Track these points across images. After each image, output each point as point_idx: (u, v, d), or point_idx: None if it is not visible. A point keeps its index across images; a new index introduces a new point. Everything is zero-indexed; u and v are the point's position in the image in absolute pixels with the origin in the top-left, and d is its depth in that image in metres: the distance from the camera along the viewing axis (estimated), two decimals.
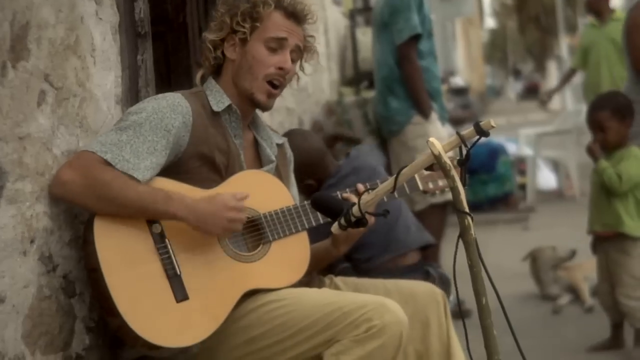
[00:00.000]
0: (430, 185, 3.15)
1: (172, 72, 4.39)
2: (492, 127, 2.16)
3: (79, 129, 2.83)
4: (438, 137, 4.94)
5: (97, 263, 2.63)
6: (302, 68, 3.12)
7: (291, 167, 3.26)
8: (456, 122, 10.99)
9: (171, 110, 2.81)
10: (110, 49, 3.07)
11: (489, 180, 9.44)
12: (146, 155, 2.73)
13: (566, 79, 8.55)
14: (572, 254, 6.12)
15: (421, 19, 5.43)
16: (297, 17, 3.01)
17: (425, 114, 5.36)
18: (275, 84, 3.00)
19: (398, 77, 5.45)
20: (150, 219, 2.73)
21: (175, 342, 2.68)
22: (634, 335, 4.60)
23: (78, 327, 2.77)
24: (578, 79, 13.81)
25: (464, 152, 2.22)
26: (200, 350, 2.79)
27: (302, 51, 3.06)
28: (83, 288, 2.79)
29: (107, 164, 2.68)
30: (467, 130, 2.20)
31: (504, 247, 7.55)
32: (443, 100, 5.80)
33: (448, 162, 2.20)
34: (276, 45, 2.98)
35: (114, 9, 3.12)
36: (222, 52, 3.02)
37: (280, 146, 3.20)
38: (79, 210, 2.80)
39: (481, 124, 2.16)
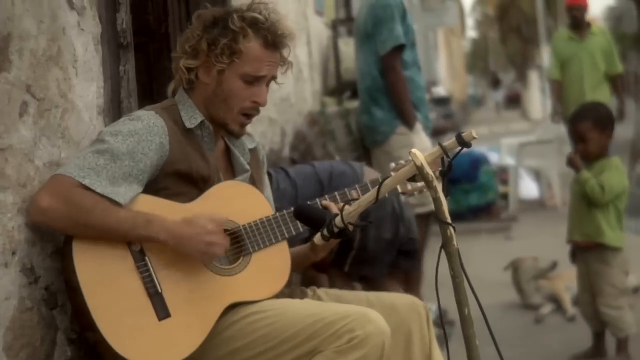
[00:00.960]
0: (409, 187, 3.15)
1: (154, 83, 4.38)
2: (474, 138, 2.17)
3: (61, 140, 2.82)
4: (423, 147, 5.02)
5: (77, 283, 2.61)
6: (276, 82, 3.08)
7: (264, 170, 3.24)
8: (438, 132, 11.00)
9: (148, 132, 2.78)
10: (93, 60, 3.07)
11: (471, 190, 9.47)
12: (122, 182, 2.70)
13: (558, 92, 8.55)
14: (554, 265, 6.14)
15: (405, 29, 5.43)
16: (276, 45, 2.96)
17: (410, 124, 5.36)
18: (249, 115, 2.98)
19: (382, 88, 5.44)
20: (131, 242, 2.71)
21: None
22: (616, 344, 4.62)
23: (60, 339, 2.76)
24: None
25: (446, 163, 2.23)
26: None
27: (275, 78, 3.02)
28: (65, 300, 2.78)
29: (86, 188, 2.65)
30: (449, 141, 2.20)
31: (486, 256, 7.57)
32: (427, 110, 5.81)
33: (430, 173, 2.21)
34: (253, 80, 2.94)
35: (96, 20, 3.12)
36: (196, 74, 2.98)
37: (252, 150, 3.18)
38: None
39: (463, 135, 2.17)
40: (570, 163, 4.64)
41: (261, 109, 3.04)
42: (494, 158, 10.90)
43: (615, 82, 8.39)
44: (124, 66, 3.30)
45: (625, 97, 8.96)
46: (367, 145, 5.70)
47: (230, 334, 2.79)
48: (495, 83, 53.26)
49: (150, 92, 4.26)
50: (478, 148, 9.98)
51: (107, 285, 2.65)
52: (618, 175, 4.55)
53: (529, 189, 11.27)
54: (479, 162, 9.65)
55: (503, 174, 10.75)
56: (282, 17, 2.99)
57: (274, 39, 2.93)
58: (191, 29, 2.96)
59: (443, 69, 28.65)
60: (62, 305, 2.78)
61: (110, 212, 2.65)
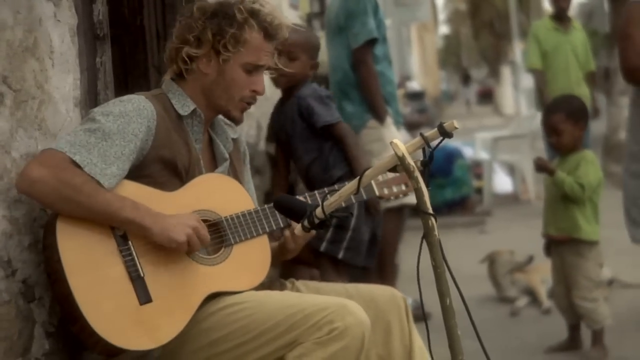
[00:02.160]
0: (386, 191, 3.18)
1: (129, 75, 4.35)
2: (456, 128, 2.16)
3: (37, 132, 2.80)
4: (383, 143, 4.98)
5: (60, 265, 2.60)
6: (270, 73, 3.20)
7: (247, 161, 3.26)
8: (413, 126, 11.02)
9: (137, 114, 2.80)
10: (69, 51, 3.04)
11: (446, 184, 9.50)
12: (113, 160, 2.71)
13: (541, 82, 8.45)
14: (530, 259, 6.17)
15: (377, 23, 5.41)
16: (274, 35, 3.03)
17: (381, 118, 5.33)
18: (248, 102, 3.05)
19: (353, 82, 5.38)
20: (115, 225, 2.71)
21: (138, 345, 2.67)
22: (591, 336, 4.64)
23: (38, 332, 2.74)
24: (530, 83, 13.90)
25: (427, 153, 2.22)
26: (162, 354, 2.78)
27: (271, 65, 3.10)
28: (42, 292, 2.76)
29: (76, 165, 2.66)
30: (431, 131, 2.20)
31: (461, 250, 7.58)
32: (398, 104, 5.80)
33: (412, 163, 2.20)
34: (253, 69, 3.00)
35: (72, 11, 3.09)
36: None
37: (235, 140, 3.20)
38: (38, 214, 2.77)
39: (445, 125, 2.17)
40: (540, 168, 4.66)
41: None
42: (468, 152, 10.93)
43: (589, 79, 8.39)
44: (100, 57, 3.27)
45: (596, 94, 8.97)
46: None
47: (208, 325, 2.79)
48: (466, 79, 53.25)
49: (125, 84, 4.23)
50: (452, 142, 10.00)
51: (89, 266, 2.65)
52: (594, 170, 4.57)
53: (502, 183, 11.32)
54: (453, 156, 9.67)
55: (477, 168, 10.78)
56: (276, 9, 3.07)
57: (272, 30, 3.00)
58: (192, 18, 2.98)
59: (416, 64, 28.68)
60: (39, 298, 2.76)
61: (97, 192, 2.66)
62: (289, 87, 4.13)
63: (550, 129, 4.64)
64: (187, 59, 2.97)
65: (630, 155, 4.80)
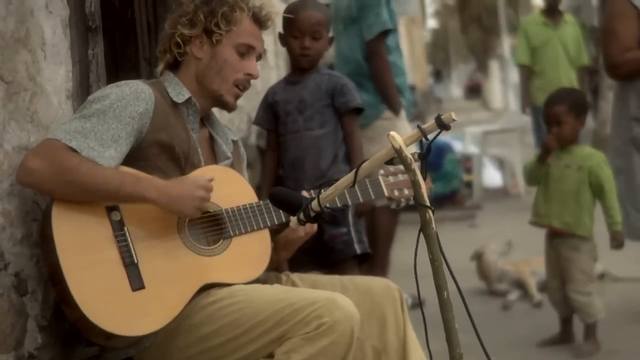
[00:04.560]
0: (396, 193, 3.17)
1: (120, 68, 4.32)
2: (453, 120, 2.15)
3: (30, 124, 2.78)
4: (405, 133, 4.95)
5: (54, 250, 2.59)
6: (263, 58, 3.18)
7: (244, 165, 3.26)
8: None
9: (135, 97, 2.80)
10: (61, 42, 3.02)
11: (435, 178, 9.46)
12: (111, 143, 2.71)
13: (527, 80, 8.44)
14: (509, 244, 6.21)
15: (388, 13, 5.41)
16: (263, 24, 3.08)
17: (396, 109, 5.32)
18: (242, 87, 3.05)
19: (367, 72, 5.35)
20: (118, 202, 2.72)
21: (130, 331, 2.66)
22: (583, 329, 4.65)
23: (30, 326, 2.72)
24: (518, 77, 13.88)
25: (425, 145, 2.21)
26: (152, 347, 2.77)
27: (262, 52, 3.11)
28: (35, 286, 2.74)
29: (73, 150, 2.65)
30: (428, 123, 2.18)
31: (451, 244, 7.48)
32: (410, 95, 5.80)
33: (409, 155, 2.18)
34: (245, 50, 3.02)
35: (64, 3, 3.07)
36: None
37: (235, 143, 3.21)
38: (30, 207, 2.75)
39: (442, 117, 2.15)
40: (543, 150, 4.68)
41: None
42: (458, 146, 10.93)
43: (580, 73, 8.39)
44: (92, 49, 3.25)
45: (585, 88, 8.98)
46: None
47: (198, 320, 2.78)
48: (437, 75, 52.81)
49: (116, 77, 4.19)
50: (442, 136, 9.97)
51: (84, 251, 2.64)
52: (608, 171, 4.62)
53: (492, 177, 11.33)
54: (443, 150, 9.67)
55: (467, 162, 10.79)
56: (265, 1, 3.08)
57: (262, 18, 3.06)
58: (184, 3, 3.02)
59: (405, 59, 28.66)
60: (32, 291, 2.74)
61: (96, 170, 2.66)
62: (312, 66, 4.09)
63: (551, 120, 4.64)
64: (180, 42, 2.99)
65: (614, 150, 4.83)
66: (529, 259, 6.07)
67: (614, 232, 4.57)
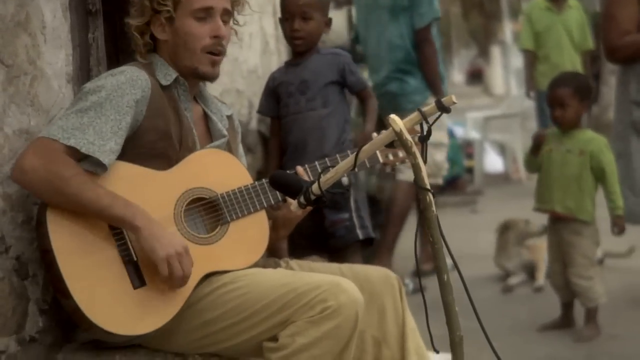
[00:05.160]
0: (390, 157, 3.14)
1: (120, 52, 4.31)
2: (454, 102, 2.14)
3: (30, 108, 2.78)
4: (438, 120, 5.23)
5: (51, 249, 2.58)
6: (235, 22, 3.05)
7: (239, 139, 3.22)
8: None
9: (131, 85, 2.76)
10: (61, 26, 3.01)
11: None
12: (111, 136, 2.68)
13: (531, 64, 8.41)
14: (544, 229, 6.15)
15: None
16: None
17: (440, 95, 5.47)
18: (215, 53, 2.95)
19: (414, 60, 5.62)
20: (103, 220, 2.66)
21: (133, 330, 2.66)
22: (584, 314, 4.65)
23: (31, 309, 2.73)
24: (520, 63, 13.81)
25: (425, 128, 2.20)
26: (156, 335, 2.76)
27: (232, 11, 2.99)
28: (36, 270, 2.74)
29: (71, 150, 2.62)
30: (429, 106, 2.18)
31: (452, 230, 7.49)
32: (446, 82, 6.00)
33: (409, 138, 2.18)
34: (204, 14, 2.91)
35: None
36: (152, 36, 2.95)
37: (229, 117, 3.16)
38: None
39: (442, 100, 2.15)
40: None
41: (228, 80, 3.02)
42: (459, 132, 10.92)
43: (585, 58, 8.35)
44: (92, 33, 3.25)
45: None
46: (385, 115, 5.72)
47: (202, 306, 2.77)
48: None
49: (117, 61, 4.18)
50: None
51: (82, 252, 2.62)
52: (610, 155, 4.62)
53: (493, 162, 11.31)
54: None
55: (468, 148, 10.77)
56: None
57: None
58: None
59: None
60: (33, 275, 2.74)
61: (88, 185, 2.61)
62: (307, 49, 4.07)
63: (555, 102, 4.63)
64: (138, 34, 2.93)
65: (616, 134, 4.83)
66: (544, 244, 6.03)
67: (615, 217, 4.57)
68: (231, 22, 3.01)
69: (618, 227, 4.58)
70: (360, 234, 3.99)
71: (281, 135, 4.11)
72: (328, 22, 4.09)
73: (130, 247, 2.68)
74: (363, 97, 4.10)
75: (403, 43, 5.65)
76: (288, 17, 3.98)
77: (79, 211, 2.63)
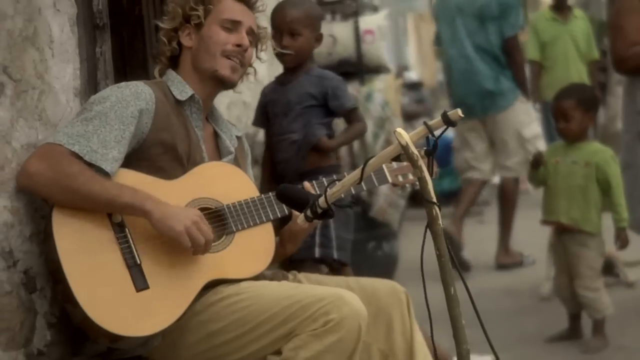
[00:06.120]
0: (400, 179, 3.17)
1: (128, 66, 4.33)
2: (460, 117, 2.14)
3: (38, 122, 2.79)
4: (533, 113, 6.93)
5: (56, 253, 2.60)
6: (258, 57, 3.15)
7: (249, 161, 3.25)
8: (411, 116, 10.98)
9: (135, 97, 2.81)
10: (69, 40, 3.03)
11: (444, 175, 9.42)
12: (114, 145, 2.72)
13: (538, 75, 8.41)
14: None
15: None
16: (247, 2, 3.07)
17: (528, 95, 6.70)
18: (235, 60, 3.02)
19: (504, 63, 6.46)
20: (115, 211, 2.71)
21: (136, 331, 2.67)
22: (592, 325, 4.64)
23: (39, 323, 2.73)
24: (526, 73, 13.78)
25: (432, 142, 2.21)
26: (161, 346, 2.77)
27: (255, 37, 3.09)
28: (44, 283, 2.75)
29: (75, 155, 2.66)
30: (435, 120, 2.18)
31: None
32: None
33: (415, 152, 2.18)
34: (231, 26, 3.01)
35: (72, 1, 3.08)
36: (178, 43, 3.04)
37: (239, 139, 3.21)
38: (39, 204, 2.76)
39: (449, 113, 2.15)
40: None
41: (236, 92, 3.12)
42: None
43: (591, 68, 8.35)
44: (100, 47, 3.26)
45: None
46: (476, 112, 6.60)
47: (206, 317, 2.79)
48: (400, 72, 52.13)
49: (124, 75, 4.20)
50: (450, 133, 9.95)
51: (86, 254, 2.65)
52: (616, 167, 4.62)
53: None
54: (451, 146, 9.62)
55: None
56: None
57: None
58: (168, 3, 3.08)
59: (412, 55, 28.60)
60: (41, 288, 2.75)
61: (95, 179, 2.65)
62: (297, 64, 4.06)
63: (559, 115, 4.64)
64: (166, 40, 3.03)
65: (624, 145, 4.84)
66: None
67: (618, 229, 4.56)
68: (254, 52, 3.12)
69: (621, 240, 4.58)
70: (317, 252, 3.94)
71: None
72: (319, 38, 4.06)
73: (134, 251, 2.71)
74: (349, 120, 4.06)
75: (492, 49, 6.45)
76: (276, 34, 3.97)
77: (89, 206, 2.67)
